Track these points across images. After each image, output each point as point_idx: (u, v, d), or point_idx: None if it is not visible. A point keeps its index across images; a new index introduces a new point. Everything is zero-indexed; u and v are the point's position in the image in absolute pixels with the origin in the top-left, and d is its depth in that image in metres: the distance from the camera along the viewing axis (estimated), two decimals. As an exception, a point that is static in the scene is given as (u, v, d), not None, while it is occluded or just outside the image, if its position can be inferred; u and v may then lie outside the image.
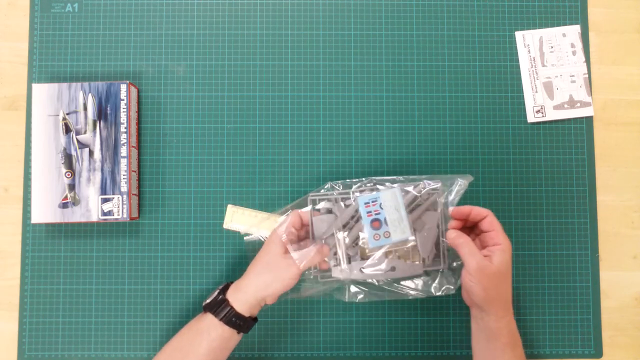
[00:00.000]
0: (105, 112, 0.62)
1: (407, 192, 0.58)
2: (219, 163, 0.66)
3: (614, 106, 0.68)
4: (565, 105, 0.67)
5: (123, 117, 0.62)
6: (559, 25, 0.68)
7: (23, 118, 0.66)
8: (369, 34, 0.67)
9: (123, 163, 0.62)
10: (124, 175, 0.62)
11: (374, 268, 0.58)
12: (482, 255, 0.53)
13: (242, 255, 0.65)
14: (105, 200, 0.61)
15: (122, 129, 0.62)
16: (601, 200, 0.66)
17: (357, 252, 0.58)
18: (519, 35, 0.68)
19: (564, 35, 0.68)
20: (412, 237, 0.56)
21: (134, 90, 0.65)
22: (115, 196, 0.61)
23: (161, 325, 0.64)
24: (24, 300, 0.64)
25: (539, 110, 0.67)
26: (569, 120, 0.67)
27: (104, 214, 0.61)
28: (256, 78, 0.67)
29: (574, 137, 0.67)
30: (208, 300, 0.56)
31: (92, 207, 0.61)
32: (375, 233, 0.56)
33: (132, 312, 0.64)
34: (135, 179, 0.64)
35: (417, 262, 0.58)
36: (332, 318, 0.64)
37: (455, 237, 0.54)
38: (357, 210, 0.58)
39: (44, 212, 0.61)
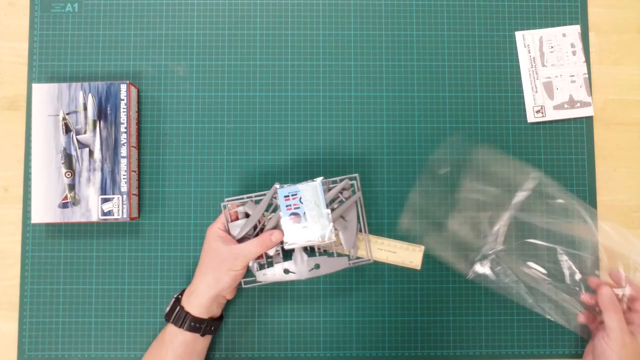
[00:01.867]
0: (105, 112, 0.62)
1: (329, 187, 0.59)
2: (219, 163, 0.66)
3: (614, 106, 0.68)
4: (565, 105, 0.67)
5: (123, 117, 0.62)
6: (559, 25, 0.68)
7: (23, 118, 0.66)
8: (369, 34, 0.67)
9: (123, 163, 0.62)
10: (124, 175, 0.62)
11: (298, 267, 0.59)
12: (626, 326, 0.53)
13: (242, 255, 0.65)
14: (105, 200, 0.61)
15: (122, 129, 0.62)
16: (601, 200, 0.66)
17: (278, 252, 0.59)
18: (519, 35, 0.68)
19: (564, 35, 0.68)
20: (332, 233, 0.57)
21: (134, 90, 0.65)
22: (115, 196, 0.61)
23: (161, 325, 0.64)
24: (24, 300, 0.64)
25: (539, 110, 0.67)
26: (569, 120, 0.67)
27: (104, 214, 0.61)
28: (256, 78, 0.67)
29: (574, 137, 0.67)
30: (167, 310, 0.57)
31: (92, 207, 0.61)
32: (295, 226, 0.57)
33: (132, 312, 0.64)
34: (135, 179, 0.64)
35: (341, 256, 0.60)
36: (332, 318, 0.64)
37: (611, 299, 0.54)
38: (272, 204, 0.59)
39: (44, 212, 0.61)
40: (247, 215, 0.60)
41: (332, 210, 0.59)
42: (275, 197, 0.59)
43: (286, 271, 0.59)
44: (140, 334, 0.64)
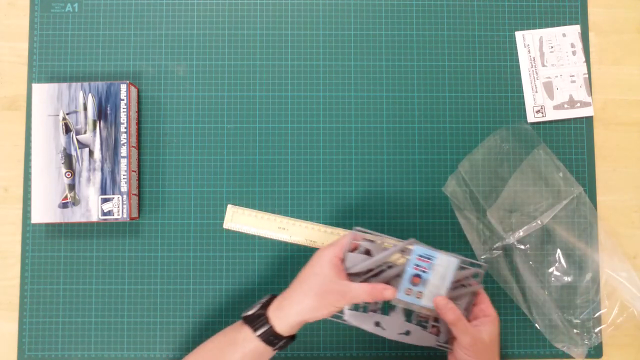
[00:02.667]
0: (105, 112, 0.62)
1: (463, 269, 0.55)
2: (219, 163, 0.66)
3: (614, 106, 0.68)
4: (565, 105, 0.67)
5: (123, 117, 0.62)
6: (559, 25, 0.68)
7: (23, 118, 0.66)
8: (369, 34, 0.67)
9: (123, 163, 0.62)
10: (124, 175, 0.62)
11: (389, 325, 0.56)
12: (474, 329, 0.53)
13: (242, 255, 0.65)
14: (105, 200, 0.61)
15: (122, 129, 0.62)
16: (601, 200, 0.66)
17: (376, 304, 0.56)
18: (519, 35, 0.68)
19: (564, 35, 0.68)
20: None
21: (134, 90, 0.65)
22: (115, 196, 0.61)
23: (161, 325, 0.64)
24: (24, 300, 0.64)
25: (539, 110, 0.67)
26: (569, 120, 0.67)
27: (104, 214, 0.61)
28: (256, 78, 0.67)
29: (574, 137, 0.67)
30: (248, 313, 0.54)
31: (92, 207, 0.61)
32: (409, 288, 0.54)
33: (132, 312, 0.64)
34: (135, 179, 0.64)
35: (432, 334, 0.56)
36: (332, 318, 0.64)
37: (449, 309, 0.53)
38: (396, 259, 0.56)
39: (44, 212, 0.61)
40: (367, 252, 0.56)
41: (454, 288, 0.56)
42: (405, 251, 0.55)
43: (377, 324, 0.56)
44: (140, 334, 0.64)
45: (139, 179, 0.65)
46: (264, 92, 0.67)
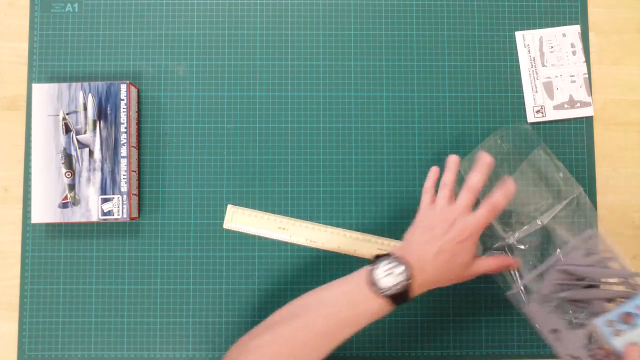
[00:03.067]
0: (105, 112, 0.62)
1: None
2: (219, 163, 0.66)
3: (614, 106, 0.68)
4: (565, 105, 0.67)
5: (123, 117, 0.62)
6: (559, 25, 0.68)
7: (23, 118, 0.66)
8: (369, 34, 0.67)
9: (123, 163, 0.62)
10: (124, 175, 0.62)
11: (566, 340, 0.52)
12: None
13: (242, 255, 0.65)
14: (105, 200, 0.61)
15: (122, 129, 0.62)
16: (601, 200, 0.66)
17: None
18: (519, 35, 0.68)
19: (564, 35, 0.68)
20: None
21: (134, 90, 0.65)
22: (115, 196, 0.61)
23: (161, 325, 0.64)
24: (24, 300, 0.64)
25: (539, 110, 0.67)
26: (569, 120, 0.67)
27: (104, 214, 0.61)
28: (256, 78, 0.67)
29: (574, 137, 0.67)
30: (392, 290, 0.50)
31: (92, 207, 0.61)
32: (613, 320, 0.50)
33: (132, 312, 0.64)
34: (135, 179, 0.64)
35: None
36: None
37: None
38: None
39: (44, 212, 0.61)
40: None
41: None
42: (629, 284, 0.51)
43: (555, 331, 0.53)
44: (140, 334, 0.64)
45: (139, 179, 0.65)
46: (264, 92, 0.67)
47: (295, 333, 0.51)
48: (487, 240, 0.63)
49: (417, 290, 0.52)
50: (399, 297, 0.51)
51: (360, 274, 0.52)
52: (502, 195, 0.53)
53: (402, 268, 0.51)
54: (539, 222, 0.63)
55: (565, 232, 0.63)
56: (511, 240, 0.63)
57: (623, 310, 0.50)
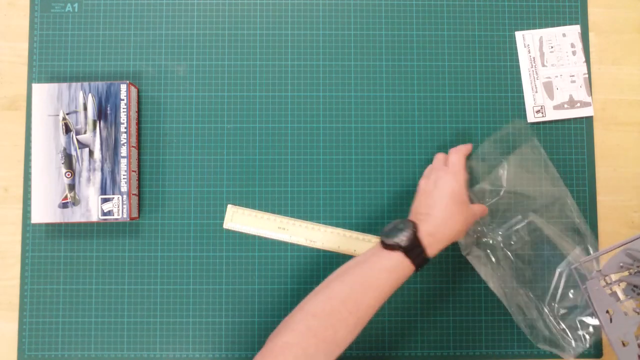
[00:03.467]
0: (105, 112, 0.62)
1: None
2: (219, 163, 0.66)
3: (614, 106, 0.68)
4: (565, 105, 0.67)
5: (123, 117, 0.62)
6: (559, 25, 0.68)
7: (23, 118, 0.66)
8: (369, 34, 0.67)
9: (123, 163, 0.62)
10: (124, 175, 0.62)
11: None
12: None
13: (242, 255, 0.65)
14: (105, 200, 0.61)
15: (122, 129, 0.62)
16: (601, 200, 0.66)
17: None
18: (519, 35, 0.68)
19: (564, 35, 0.68)
20: None
21: (134, 90, 0.65)
22: (115, 196, 0.61)
23: (161, 325, 0.64)
24: (24, 300, 0.64)
25: (539, 110, 0.67)
26: (569, 120, 0.67)
27: (104, 214, 0.61)
28: (256, 78, 0.67)
29: (574, 137, 0.67)
30: (401, 244, 0.53)
31: (92, 207, 0.61)
32: None
33: (132, 312, 0.64)
34: (135, 179, 0.64)
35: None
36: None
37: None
38: None
39: (44, 212, 0.61)
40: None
41: None
42: None
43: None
44: (140, 334, 0.64)
45: (139, 179, 0.65)
46: (264, 92, 0.67)
47: (328, 302, 0.52)
48: (472, 234, 0.63)
49: (429, 240, 0.54)
50: (414, 250, 0.53)
51: (373, 247, 0.56)
52: (462, 146, 0.61)
53: (405, 222, 0.55)
54: (522, 218, 0.63)
55: (551, 230, 0.63)
56: (498, 237, 0.63)
57: None
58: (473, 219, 0.58)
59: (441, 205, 0.55)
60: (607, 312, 0.52)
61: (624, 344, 0.51)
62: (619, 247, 0.52)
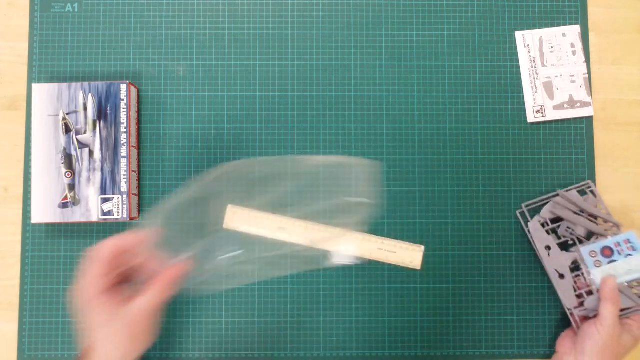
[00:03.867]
0: (105, 112, 0.62)
1: None
2: (219, 163, 0.66)
3: (614, 106, 0.68)
4: (565, 105, 0.67)
5: (123, 117, 0.62)
6: (559, 25, 0.68)
7: (23, 118, 0.66)
8: (369, 34, 0.67)
9: (123, 163, 0.62)
10: (124, 175, 0.62)
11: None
12: (623, 319, 0.57)
13: (242, 255, 0.65)
14: (105, 200, 0.61)
15: (122, 129, 0.62)
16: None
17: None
18: (519, 35, 0.68)
19: (564, 35, 0.68)
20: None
21: (134, 90, 0.65)
22: (115, 196, 0.61)
23: (161, 325, 0.64)
24: (24, 300, 0.64)
25: (539, 110, 0.67)
26: (569, 120, 0.67)
27: (104, 214, 0.61)
28: (256, 78, 0.67)
29: (574, 137, 0.67)
30: None
31: (92, 207, 0.61)
32: (595, 251, 0.59)
33: (132, 312, 0.64)
34: (135, 179, 0.64)
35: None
36: (332, 318, 0.64)
37: (612, 290, 0.56)
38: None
39: (44, 212, 0.61)
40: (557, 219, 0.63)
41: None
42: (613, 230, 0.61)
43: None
44: (140, 334, 0.64)
45: (139, 179, 0.65)
46: (264, 92, 0.67)
47: None
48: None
49: None
50: None
51: None
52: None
53: None
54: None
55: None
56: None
57: (604, 244, 0.59)
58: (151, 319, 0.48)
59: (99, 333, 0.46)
60: (546, 248, 0.61)
61: (561, 277, 0.60)
62: (548, 198, 0.63)
